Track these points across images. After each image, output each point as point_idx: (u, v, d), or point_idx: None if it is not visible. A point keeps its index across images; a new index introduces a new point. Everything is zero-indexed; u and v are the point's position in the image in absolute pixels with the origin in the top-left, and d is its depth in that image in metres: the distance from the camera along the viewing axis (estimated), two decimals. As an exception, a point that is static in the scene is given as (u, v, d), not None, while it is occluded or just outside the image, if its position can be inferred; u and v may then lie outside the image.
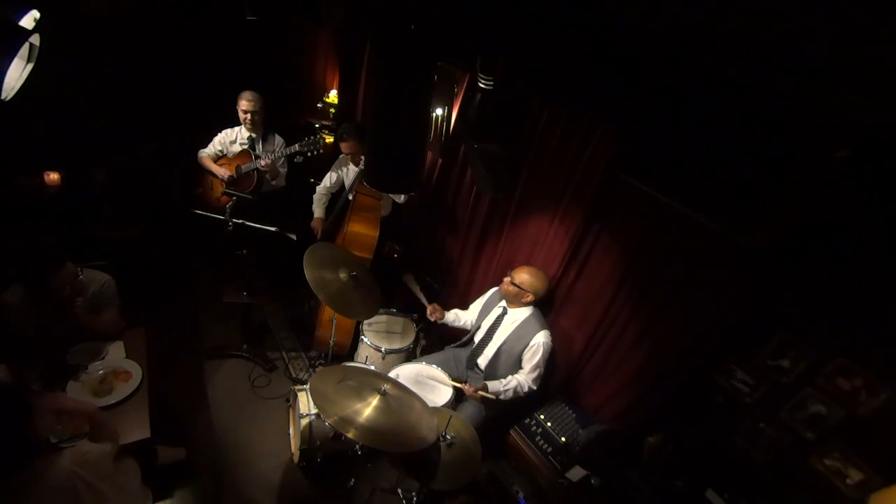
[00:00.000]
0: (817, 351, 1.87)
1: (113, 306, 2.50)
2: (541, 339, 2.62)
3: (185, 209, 3.31)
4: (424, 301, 3.09)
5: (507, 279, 2.76)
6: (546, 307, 2.92)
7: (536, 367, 2.63)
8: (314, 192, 3.72)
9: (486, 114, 2.13)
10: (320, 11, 2.96)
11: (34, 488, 1.49)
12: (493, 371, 2.80)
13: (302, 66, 4.96)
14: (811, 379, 1.89)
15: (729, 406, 2.16)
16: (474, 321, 3.04)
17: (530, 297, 2.70)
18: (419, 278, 3.75)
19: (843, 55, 0.92)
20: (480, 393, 2.62)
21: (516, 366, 2.72)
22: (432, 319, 3.04)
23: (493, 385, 2.65)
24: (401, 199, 3.41)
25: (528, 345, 2.64)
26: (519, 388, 2.63)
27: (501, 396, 2.65)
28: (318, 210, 3.66)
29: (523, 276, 2.70)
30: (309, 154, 3.47)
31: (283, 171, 3.69)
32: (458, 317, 3.12)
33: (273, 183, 3.66)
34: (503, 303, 2.85)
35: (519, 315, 2.76)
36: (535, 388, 2.67)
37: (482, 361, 2.90)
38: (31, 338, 2.20)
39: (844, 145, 1.39)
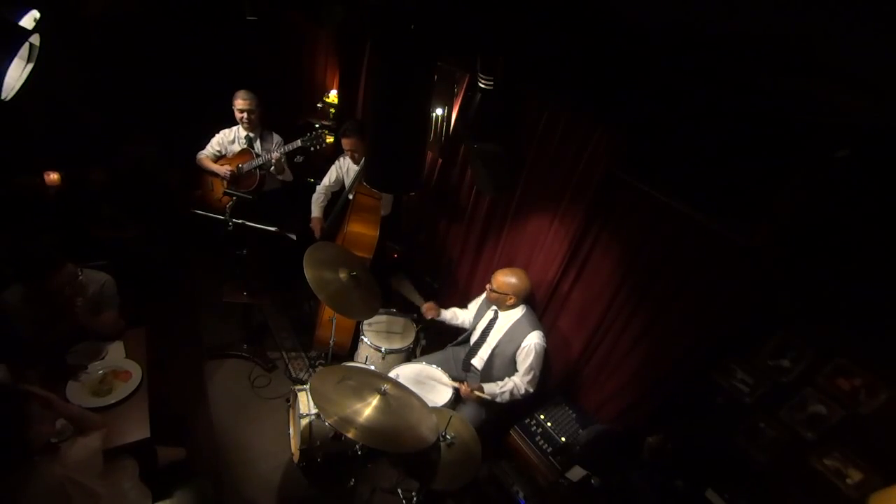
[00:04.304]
0: (817, 351, 1.86)
1: (113, 306, 2.49)
2: (532, 340, 2.61)
3: (185, 209, 3.31)
4: (418, 301, 3.09)
5: (487, 286, 2.78)
6: (543, 306, 2.92)
7: (530, 368, 2.61)
8: (311, 190, 3.72)
9: (486, 114, 2.13)
10: (320, 11, 2.96)
11: (22, 492, 1.48)
12: (489, 372, 2.80)
13: (302, 66, 4.96)
14: (811, 379, 1.88)
15: (729, 406, 2.16)
16: (471, 321, 3.05)
17: (512, 300, 2.70)
18: (416, 278, 3.76)
19: (844, 55, 0.91)
20: (476, 393, 2.62)
21: (511, 367, 2.72)
22: (428, 317, 3.05)
23: (490, 387, 2.65)
24: (388, 208, 3.42)
25: (520, 346, 2.64)
26: (515, 391, 2.63)
27: (498, 399, 2.65)
28: (315, 209, 3.66)
29: (501, 279, 2.70)
30: (311, 149, 3.46)
31: (288, 169, 3.69)
32: (456, 315, 3.12)
33: (280, 178, 3.65)
34: (494, 306, 2.85)
35: (510, 317, 2.76)
36: (531, 390, 2.65)
37: (477, 363, 2.91)
38: (31, 338, 2.20)
39: (844, 145, 1.39)
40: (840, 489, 1.83)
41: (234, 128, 3.59)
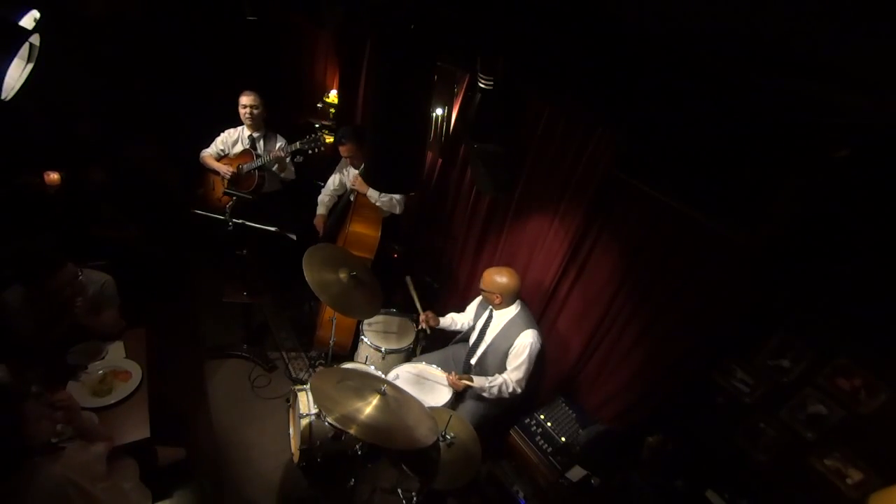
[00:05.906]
0: (817, 351, 1.86)
1: (113, 306, 2.49)
2: (525, 338, 2.61)
3: (185, 209, 3.31)
4: (419, 307, 3.07)
5: (480, 284, 2.79)
6: (543, 307, 2.92)
7: (519, 366, 2.61)
8: (314, 191, 3.73)
9: (486, 114, 2.13)
10: (320, 11, 2.96)
11: (23, 494, 1.48)
12: (483, 369, 2.81)
13: (302, 66, 4.96)
14: (811, 379, 1.89)
15: (729, 406, 2.16)
16: (470, 323, 3.05)
17: (498, 299, 2.70)
18: (419, 281, 3.76)
19: (844, 55, 0.91)
20: (464, 382, 2.63)
21: (504, 365, 2.72)
22: (425, 327, 3.03)
23: (479, 380, 2.66)
24: (397, 209, 3.41)
25: (513, 344, 2.64)
26: (504, 387, 2.62)
27: (486, 394, 2.66)
28: (321, 207, 3.68)
29: (488, 278, 2.72)
30: (310, 152, 3.48)
31: (291, 167, 3.72)
32: (454, 321, 3.12)
33: (282, 175, 3.67)
34: (490, 305, 2.86)
35: (505, 316, 2.77)
36: (518, 389, 2.65)
37: (474, 361, 2.92)
38: (31, 338, 2.20)
39: (844, 145, 1.39)
40: (840, 489, 1.83)
41: (239, 128, 3.63)
